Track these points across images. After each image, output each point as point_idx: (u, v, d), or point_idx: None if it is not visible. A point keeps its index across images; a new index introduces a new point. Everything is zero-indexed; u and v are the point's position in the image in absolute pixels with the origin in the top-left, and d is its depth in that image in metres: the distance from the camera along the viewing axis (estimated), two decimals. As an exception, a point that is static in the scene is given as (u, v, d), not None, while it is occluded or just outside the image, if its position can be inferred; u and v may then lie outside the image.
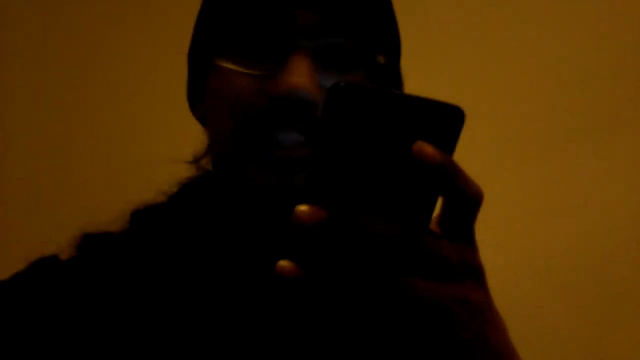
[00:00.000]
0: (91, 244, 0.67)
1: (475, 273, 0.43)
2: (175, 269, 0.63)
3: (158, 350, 0.58)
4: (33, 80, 1.28)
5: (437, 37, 1.20)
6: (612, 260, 1.15)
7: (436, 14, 1.21)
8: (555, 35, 1.21)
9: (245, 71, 0.59)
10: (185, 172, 0.72)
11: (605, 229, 1.16)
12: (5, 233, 1.22)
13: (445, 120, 0.41)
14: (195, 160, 0.71)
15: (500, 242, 1.12)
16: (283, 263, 0.41)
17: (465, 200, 0.41)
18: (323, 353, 0.56)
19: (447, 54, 1.19)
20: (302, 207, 0.40)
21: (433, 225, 0.43)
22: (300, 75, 0.57)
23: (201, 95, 0.66)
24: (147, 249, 0.65)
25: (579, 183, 1.18)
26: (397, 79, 0.68)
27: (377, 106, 0.40)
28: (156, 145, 1.16)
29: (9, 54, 1.29)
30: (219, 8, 0.64)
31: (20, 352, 0.59)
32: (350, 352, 0.52)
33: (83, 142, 1.25)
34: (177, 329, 0.59)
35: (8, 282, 0.64)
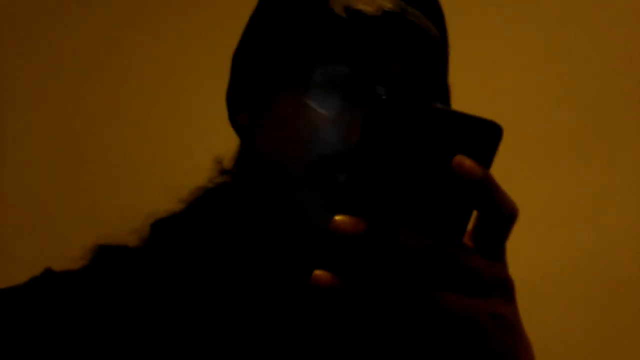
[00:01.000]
0: (105, 257, 0.66)
1: (506, 289, 0.43)
2: (193, 284, 0.63)
3: None
4: (45, 83, 1.28)
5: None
6: (624, 267, 1.16)
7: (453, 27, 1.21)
8: (565, 43, 1.22)
9: (330, 114, 0.60)
10: (203, 177, 0.72)
11: (613, 238, 1.17)
12: (17, 240, 1.21)
13: (483, 136, 0.41)
14: (225, 172, 0.70)
15: (509, 251, 1.12)
16: (319, 273, 0.41)
17: (501, 215, 0.42)
18: None
19: (455, 62, 1.20)
20: (341, 217, 0.40)
21: (466, 240, 0.43)
22: None
23: (254, 109, 0.66)
24: (165, 264, 0.64)
25: (588, 192, 1.18)
26: None
27: (416, 119, 0.40)
28: (175, 149, 1.16)
29: (16, 54, 1.28)
30: (301, 35, 0.63)
31: None
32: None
33: (97, 148, 1.24)
34: (190, 346, 0.59)
35: (17, 290, 0.64)
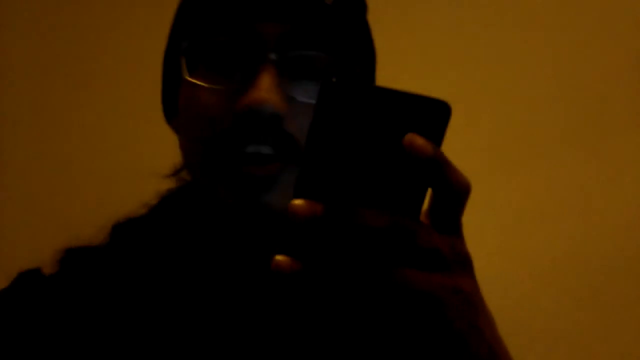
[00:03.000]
0: (73, 258, 0.67)
1: (465, 264, 0.44)
2: (156, 281, 0.63)
3: None
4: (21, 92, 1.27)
5: (433, 38, 1.20)
6: (609, 263, 1.17)
7: (432, 16, 1.21)
8: (552, 39, 1.22)
9: (212, 87, 0.59)
10: (167, 183, 0.72)
11: (602, 233, 1.17)
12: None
13: (433, 114, 0.42)
14: (174, 173, 0.71)
15: (497, 246, 1.13)
16: (280, 258, 0.41)
17: (455, 191, 0.42)
18: (319, 349, 0.56)
19: (442, 57, 1.20)
20: (298, 202, 0.41)
21: (422, 217, 0.44)
22: (265, 90, 0.57)
23: (174, 110, 0.66)
24: (128, 262, 0.65)
25: (576, 186, 1.19)
26: None
27: (367, 101, 0.41)
28: (138, 157, 1.16)
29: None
30: (186, 23, 0.64)
31: None
32: (346, 347, 0.52)
33: (66, 155, 1.23)
34: (158, 343, 0.59)
35: None
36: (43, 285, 0.64)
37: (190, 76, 0.61)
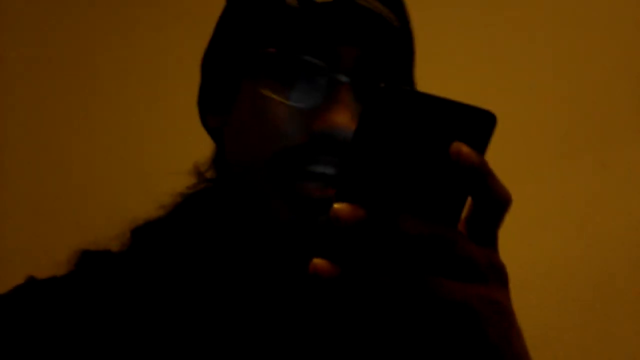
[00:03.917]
0: (90, 261, 0.66)
1: (500, 275, 0.44)
2: (177, 288, 0.62)
3: None
4: (30, 91, 1.26)
5: (431, 40, 1.21)
6: (616, 271, 1.17)
7: (431, 17, 1.21)
8: (557, 46, 1.23)
9: (289, 103, 0.59)
10: (184, 182, 0.71)
11: (608, 241, 1.18)
12: (4, 245, 1.18)
13: (478, 124, 0.42)
14: (199, 172, 0.70)
15: (503, 253, 1.13)
16: (318, 261, 0.41)
17: (495, 202, 0.42)
18: (345, 356, 0.56)
19: (450, 64, 1.20)
20: (341, 205, 0.40)
21: (459, 227, 0.44)
22: (343, 113, 0.57)
23: (221, 109, 0.66)
24: (148, 268, 0.64)
25: (582, 194, 1.19)
26: None
27: (413, 108, 0.41)
28: (156, 154, 1.15)
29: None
30: (259, 28, 0.63)
31: None
32: (376, 354, 0.52)
33: (82, 153, 1.22)
34: (176, 350, 0.58)
35: (4, 297, 0.62)
36: (57, 288, 0.63)
37: (262, 87, 0.60)
